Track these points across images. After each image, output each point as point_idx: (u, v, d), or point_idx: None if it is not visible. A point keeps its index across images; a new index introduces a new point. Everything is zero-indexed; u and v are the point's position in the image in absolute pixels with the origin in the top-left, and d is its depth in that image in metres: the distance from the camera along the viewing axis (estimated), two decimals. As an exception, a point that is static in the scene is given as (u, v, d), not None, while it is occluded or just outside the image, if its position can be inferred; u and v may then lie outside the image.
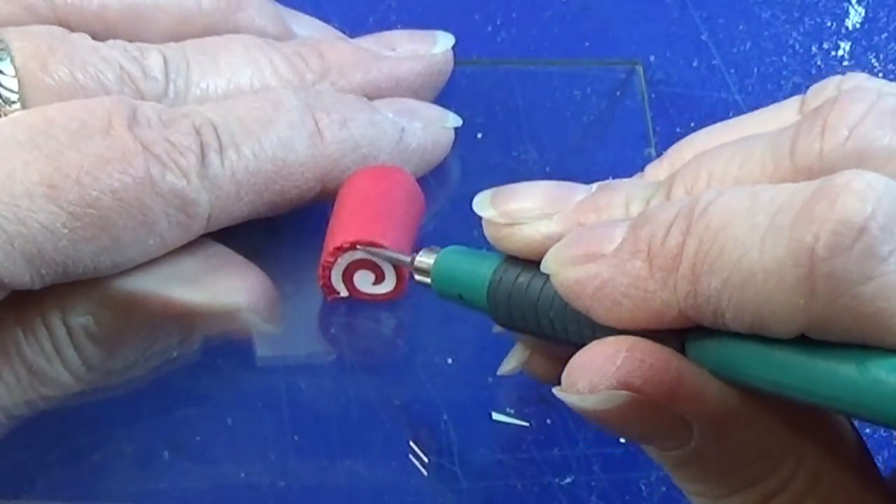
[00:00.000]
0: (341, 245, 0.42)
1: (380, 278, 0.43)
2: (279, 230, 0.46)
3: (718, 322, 0.31)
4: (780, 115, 0.38)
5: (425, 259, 0.41)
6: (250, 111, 0.43)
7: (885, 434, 0.47)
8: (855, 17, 0.57)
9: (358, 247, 0.42)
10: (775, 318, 0.29)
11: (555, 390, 0.34)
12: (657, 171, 0.40)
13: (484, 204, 0.38)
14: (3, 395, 0.41)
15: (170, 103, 0.44)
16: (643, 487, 0.45)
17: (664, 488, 0.45)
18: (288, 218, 0.45)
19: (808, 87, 0.38)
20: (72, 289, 0.41)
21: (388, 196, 0.44)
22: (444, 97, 0.50)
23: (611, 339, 0.33)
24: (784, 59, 0.56)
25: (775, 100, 0.39)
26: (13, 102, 0.42)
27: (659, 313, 0.32)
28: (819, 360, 0.29)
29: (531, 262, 0.37)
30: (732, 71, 0.55)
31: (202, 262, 0.43)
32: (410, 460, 0.44)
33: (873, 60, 0.56)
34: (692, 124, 0.53)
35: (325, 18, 0.52)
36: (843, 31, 0.56)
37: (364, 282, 0.43)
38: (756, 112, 0.39)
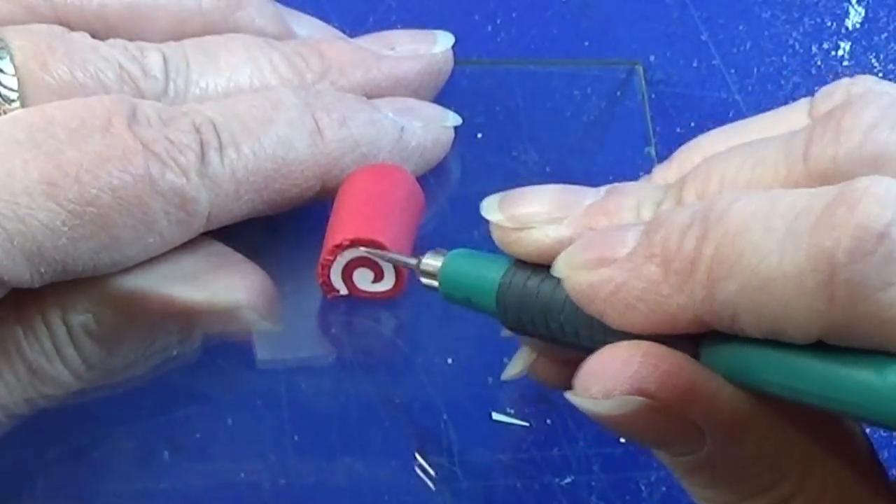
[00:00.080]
0: (341, 243, 0.42)
1: (379, 276, 0.43)
2: (279, 229, 0.46)
3: (735, 327, 0.30)
4: (790, 119, 0.38)
5: (432, 262, 0.40)
6: (250, 110, 0.43)
7: (885, 434, 0.47)
8: (855, 17, 0.57)
9: (364, 248, 0.42)
10: (793, 324, 0.29)
11: (567, 395, 0.34)
12: (665, 173, 0.40)
13: (492, 208, 0.38)
14: (2, 394, 0.41)
15: (169, 102, 0.44)
16: (643, 487, 0.45)
17: (664, 488, 0.45)
18: (288, 216, 0.45)
19: (808, 88, 0.39)
20: (72, 287, 0.41)
21: (387, 194, 0.44)
22: (444, 97, 0.50)
23: (625, 343, 0.33)
24: (784, 59, 0.56)
25: (775, 100, 0.39)
26: (13, 101, 0.41)
27: (674, 318, 0.32)
28: (837, 365, 0.29)
29: (540, 266, 0.37)
30: (732, 71, 0.55)
31: (202, 261, 0.43)
32: (407, 461, 0.44)
33: (873, 60, 0.56)
34: (692, 124, 0.53)
35: (324, 18, 0.52)
36: (843, 31, 0.56)
37: (363, 280, 0.43)
38: (765, 115, 0.39)
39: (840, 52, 0.56)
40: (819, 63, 0.56)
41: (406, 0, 0.55)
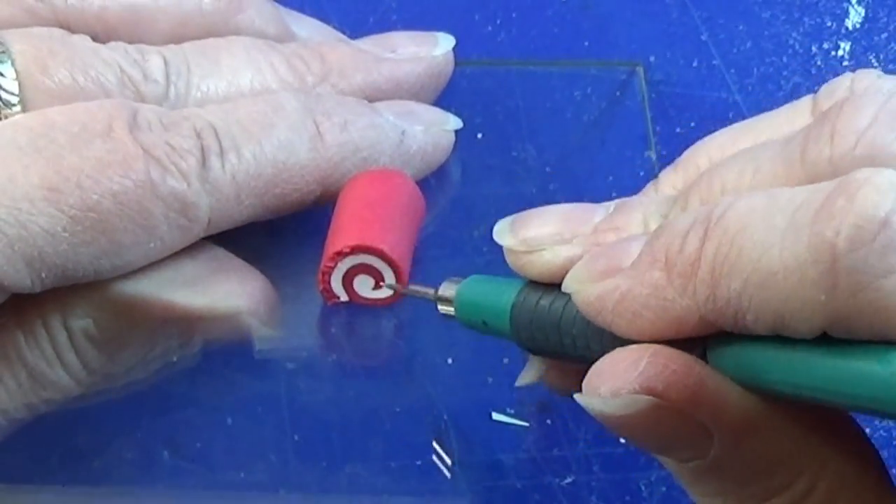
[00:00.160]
0: (341, 250, 0.42)
1: (379, 283, 0.43)
2: (279, 233, 0.46)
3: (739, 325, 0.30)
4: (793, 118, 0.38)
5: (448, 290, 0.41)
6: (251, 114, 0.43)
7: (885, 434, 0.47)
8: (855, 17, 0.57)
9: (387, 285, 0.43)
10: (797, 317, 0.29)
11: (576, 396, 0.34)
12: (672, 177, 0.40)
13: (503, 233, 0.38)
14: (3, 399, 0.41)
15: (170, 105, 0.44)
16: (643, 487, 0.45)
17: (664, 488, 0.45)
18: (288, 221, 0.45)
19: (808, 87, 0.39)
20: (72, 292, 0.41)
21: (388, 200, 0.44)
22: (444, 98, 0.50)
23: (634, 345, 0.33)
24: (784, 59, 0.56)
25: (775, 100, 0.40)
26: (13, 105, 0.41)
27: (680, 321, 0.32)
28: (842, 358, 0.29)
29: (552, 285, 0.37)
30: (732, 71, 0.55)
31: (202, 266, 0.43)
32: (407, 461, 0.44)
33: (873, 60, 0.56)
34: (692, 124, 0.53)
35: (325, 19, 0.52)
36: (843, 31, 0.56)
37: (364, 287, 0.43)
38: (769, 114, 0.39)
39: (840, 52, 0.56)
40: (819, 63, 0.56)
41: (406, 0, 0.55)
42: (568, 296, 0.35)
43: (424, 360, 0.46)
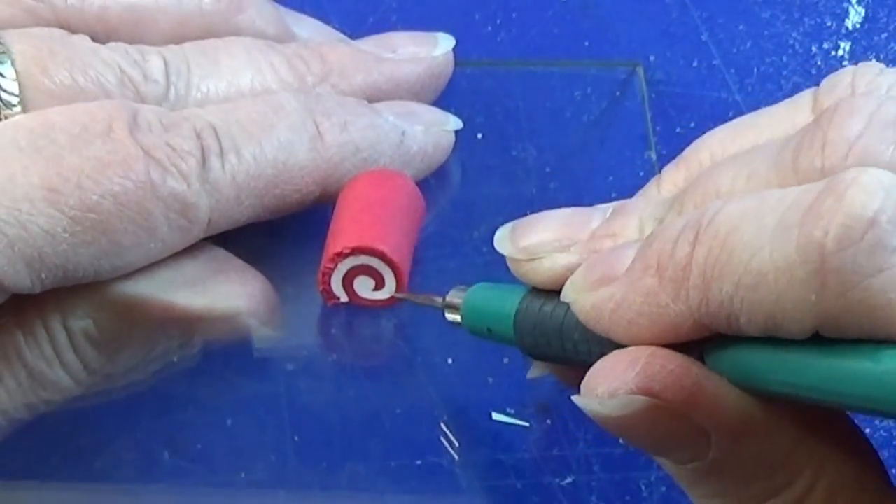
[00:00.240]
0: (341, 251, 0.42)
1: (379, 284, 0.43)
2: (279, 234, 0.46)
3: (733, 327, 0.30)
4: (794, 113, 0.38)
5: (455, 298, 0.41)
6: (251, 115, 0.43)
7: (885, 434, 0.47)
8: (855, 17, 0.57)
9: (397, 294, 0.43)
10: (788, 317, 0.29)
11: (574, 398, 0.34)
12: (674, 175, 0.40)
13: (503, 241, 0.39)
14: (3, 399, 0.41)
15: (170, 106, 0.44)
16: (643, 487, 0.45)
17: (664, 488, 0.45)
18: (288, 222, 0.45)
19: (808, 88, 0.38)
20: (72, 293, 0.41)
21: (388, 201, 0.44)
22: (444, 98, 0.50)
23: (632, 347, 0.33)
24: (784, 59, 0.56)
25: (775, 100, 0.39)
26: (13, 105, 0.41)
27: (675, 326, 0.32)
28: (833, 357, 0.29)
29: (554, 292, 0.37)
30: (732, 71, 0.55)
31: (202, 267, 0.43)
32: (407, 461, 0.44)
33: (873, 60, 0.55)
34: (692, 124, 0.53)
35: (325, 19, 0.52)
36: (843, 31, 0.56)
37: (364, 287, 0.43)
38: (770, 109, 0.39)
39: (840, 52, 0.56)
40: (819, 63, 0.56)
41: (406, 0, 0.55)
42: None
43: (424, 360, 0.46)
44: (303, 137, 0.44)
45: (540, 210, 0.41)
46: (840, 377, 0.29)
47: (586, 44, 0.55)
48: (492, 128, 0.52)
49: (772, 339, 0.30)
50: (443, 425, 0.45)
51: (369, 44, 0.49)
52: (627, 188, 0.43)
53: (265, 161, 0.43)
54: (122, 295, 0.42)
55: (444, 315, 0.42)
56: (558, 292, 0.36)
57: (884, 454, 0.44)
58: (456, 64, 0.50)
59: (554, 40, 0.55)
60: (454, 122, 0.49)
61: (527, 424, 0.46)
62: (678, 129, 0.53)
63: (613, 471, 0.45)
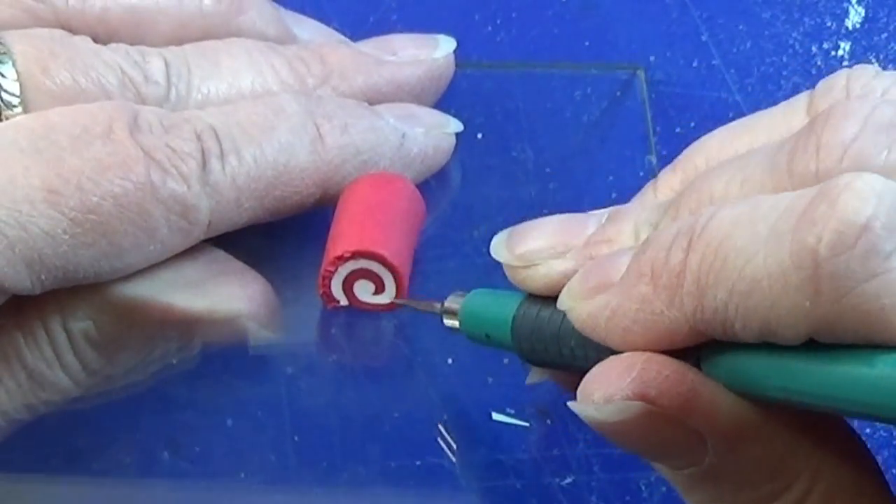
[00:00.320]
0: (341, 255, 0.42)
1: (380, 288, 0.43)
2: (280, 236, 0.46)
3: (728, 334, 0.30)
4: (790, 116, 0.38)
5: (453, 304, 0.41)
6: (251, 116, 0.43)
7: (885, 434, 0.47)
8: (855, 17, 0.57)
9: (396, 300, 0.43)
10: (783, 323, 0.29)
11: (570, 403, 0.34)
12: (670, 178, 0.40)
13: (500, 248, 0.39)
14: (3, 400, 0.41)
15: (171, 107, 0.44)
16: (643, 487, 0.45)
17: (664, 488, 0.45)
18: (288, 224, 0.45)
19: (808, 88, 0.38)
20: (72, 294, 0.41)
21: (388, 205, 0.44)
22: (444, 99, 0.50)
23: (628, 353, 0.33)
24: (784, 59, 0.56)
25: (775, 100, 0.39)
26: (14, 106, 0.42)
27: (670, 333, 0.32)
28: (828, 363, 0.29)
29: (551, 298, 0.37)
30: (732, 71, 0.55)
31: (202, 269, 0.43)
32: (407, 461, 0.45)
33: (873, 60, 0.56)
34: (692, 124, 0.53)
35: (325, 19, 0.52)
36: (843, 31, 0.56)
37: (364, 291, 0.44)
38: (766, 112, 0.39)
39: (840, 52, 0.56)
40: (819, 63, 0.56)
41: (406, 1, 0.55)
42: None
43: (424, 360, 0.46)
44: (303, 140, 0.44)
45: (540, 211, 0.41)
46: (835, 382, 0.29)
47: (586, 44, 0.55)
48: (492, 129, 0.52)
49: (767, 345, 0.30)
50: (441, 427, 0.45)
51: (370, 46, 0.49)
52: (627, 189, 0.43)
53: (265, 163, 0.43)
54: (121, 296, 0.42)
55: (442, 321, 0.42)
56: (555, 298, 0.36)
57: (883, 454, 0.44)
58: (456, 66, 0.50)
59: (554, 41, 0.55)
60: (454, 125, 0.49)
61: (527, 425, 0.46)
62: (678, 130, 0.53)
63: (613, 471, 0.45)
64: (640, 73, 0.54)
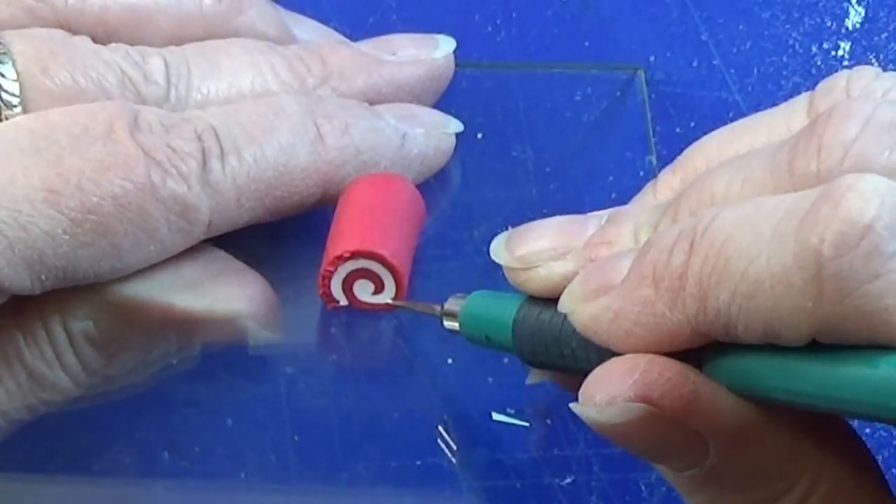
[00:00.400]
0: (341, 255, 0.42)
1: (379, 288, 0.43)
2: (279, 236, 0.46)
3: (731, 335, 0.30)
4: (790, 117, 0.38)
5: (453, 306, 0.41)
6: (252, 117, 0.43)
7: (885, 434, 0.47)
8: (855, 17, 0.57)
9: (393, 300, 0.43)
10: (786, 324, 0.29)
11: (572, 405, 0.34)
12: (670, 179, 0.40)
13: (499, 251, 0.39)
14: (3, 400, 0.41)
15: (171, 108, 0.44)
16: (643, 487, 0.45)
17: (664, 488, 0.45)
18: (288, 224, 0.45)
19: (808, 88, 0.38)
20: (72, 294, 0.41)
21: (388, 205, 0.44)
22: (444, 99, 0.50)
23: (630, 355, 0.33)
24: (784, 59, 0.55)
25: (775, 100, 0.39)
26: (14, 106, 0.42)
27: (672, 335, 0.32)
28: (832, 363, 0.29)
29: (551, 300, 0.37)
30: (732, 71, 0.55)
31: (202, 269, 0.43)
32: (407, 461, 0.45)
33: (873, 60, 0.56)
34: (692, 124, 0.53)
35: (325, 19, 0.52)
36: (843, 31, 0.56)
37: (364, 291, 0.44)
38: (766, 113, 0.39)
39: (840, 52, 0.56)
40: (819, 63, 0.56)
41: (406, 1, 0.55)
42: None
43: (425, 360, 0.46)
44: (304, 140, 0.44)
45: (540, 211, 0.41)
46: (838, 383, 0.29)
47: (586, 44, 0.55)
48: (492, 129, 0.52)
49: (769, 347, 0.30)
50: (440, 428, 0.45)
51: (369, 46, 0.49)
52: (627, 189, 0.43)
53: (266, 163, 0.43)
54: (121, 296, 0.42)
55: (441, 323, 0.42)
56: (556, 300, 0.36)
57: (883, 454, 0.44)
58: (456, 65, 0.50)
59: (554, 40, 0.55)
60: (455, 126, 0.49)
61: (527, 424, 0.46)
62: (678, 129, 0.53)
63: (613, 471, 0.45)
64: (640, 74, 0.54)
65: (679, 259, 0.31)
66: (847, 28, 0.56)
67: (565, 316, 0.36)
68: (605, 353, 0.34)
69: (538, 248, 0.38)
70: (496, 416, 0.46)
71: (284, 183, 0.43)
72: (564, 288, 0.36)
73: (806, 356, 0.29)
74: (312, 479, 0.44)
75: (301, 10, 0.52)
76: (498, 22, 0.56)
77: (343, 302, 0.44)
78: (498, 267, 0.39)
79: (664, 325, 0.32)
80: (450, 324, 0.42)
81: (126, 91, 0.43)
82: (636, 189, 0.42)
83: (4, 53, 0.42)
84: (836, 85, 0.37)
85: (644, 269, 0.32)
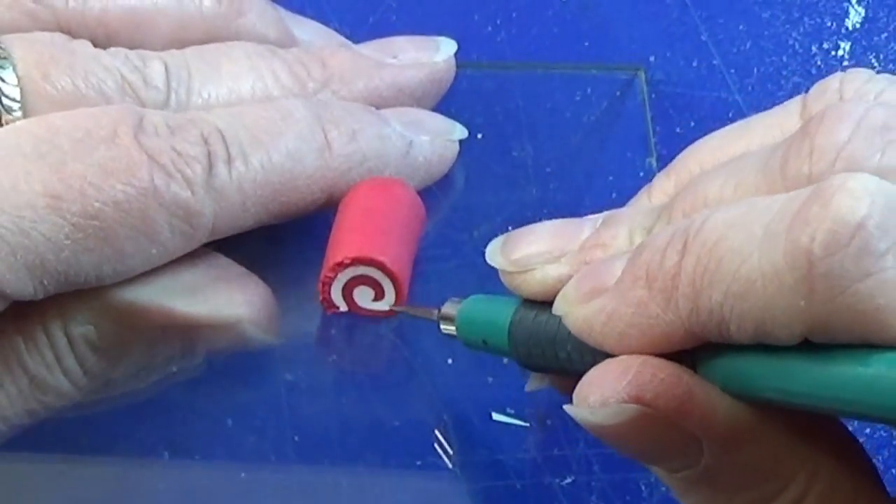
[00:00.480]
0: (342, 261, 0.42)
1: (379, 295, 0.43)
2: (280, 241, 0.46)
3: (724, 335, 0.31)
4: (784, 120, 0.38)
5: (450, 310, 0.41)
6: (259, 120, 0.43)
7: (885, 434, 0.47)
8: (855, 17, 0.57)
9: (393, 306, 0.44)
10: (778, 324, 0.29)
11: (566, 407, 0.34)
12: (665, 183, 0.40)
13: (495, 254, 0.39)
14: (4, 404, 0.41)
15: (172, 112, 0.44)
16: (643, 487, 0.45)
17: (664, 488, 0.45)
18: (289, 229, 0.45)
19: (808, 88, 0.38)
20: (73, 298, 0.41)
21: (389, 211, 0.44)
22: (444, 100, 0.50)
23: (623, 356, 0.33)
24: (784, 59, 0.55)
25: (775, 100, 0.39)
26: (14, 111, 0.41)
27: (666, 336, 0.32)
28: (824, 363, 0.29)
29: (546, 302, 0.37)
30: (732, 71, 0.55)
31: (203, 274, 0.43)
32: (407, 461, 0.45)
33: (873, 60, 0.56)
34: (692, 124, 0.53)
35: (325, 19, 0.52)
36: (843, 31, 0.56)
37: (364, 298, 0.44)
38: (760, 116, 0.39)
39: (840, 52, 0.56)
40: (819, 63, 0.56)
41: (406, 1, 0.55)
42: None
43: (424, 360, 0.46)
44: (311, 146, 0.43)
45: (540, 211, 0.42)
46: (830, 382, 0.29)
47: (586, 44, 0.55)
48: (492, 129, 0.52)
49: (762, 347, 0.30)
50: (437, 433, 0.45)
51: (370, 49, 0.49)
52: (627, 189, 0.43)
53: (272, 169, 0.43)
54: (122, 301, 0.42)
55: (438, 327, 0.42)
56: (551, 303, 0.36)
57: (882, 454, 0.44)
58: (456, 66, 0.50)
59: (554, 40, 0.55)
60: (459, 132, 0.49)
61: (527, 424, 0.46)
62: (678, 129, 0.53)
63: (613, 471, 0.45)
64: (641, 74, 0.54)
65: (672, 260, 0.31)
66: (847, 28, 0.56)
67: (560, 319, 0.36)
68: (599, 355, 0.34)
69: (533, 252, 0.38)
70: (496, 417, 0.46)
71: (290, 189, 0.43)
72: (558, 291, 0.36)
73: (798, 356, 0.30)
74: (312, 480, 0.44)
75: (301, 10, 0.52)
76: (498, 22, 0.56)
77: (343, 308, 0.44)
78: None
79: (658, 326, 0.32)
80: (446, 328, 0.42)
81: (126, 96, 0.43)
82: (636, 189, 0.42)
83: (5, 58, 0.42)
84: (829, 87, 0.37)
85: (637, 270, 0.32)
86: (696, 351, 0.32)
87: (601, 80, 0.53)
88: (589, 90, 0.53)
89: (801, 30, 0.56)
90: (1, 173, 0.38)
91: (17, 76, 0.42)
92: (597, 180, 0.51)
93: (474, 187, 0.50)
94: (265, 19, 0.48)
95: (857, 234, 0.27)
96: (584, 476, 0.45)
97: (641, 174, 0.51)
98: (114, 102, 0.43)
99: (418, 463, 0.45)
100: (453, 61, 0.49)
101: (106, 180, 0.39)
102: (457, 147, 0.48)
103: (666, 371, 0.32)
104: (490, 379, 0.46)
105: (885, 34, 0.56)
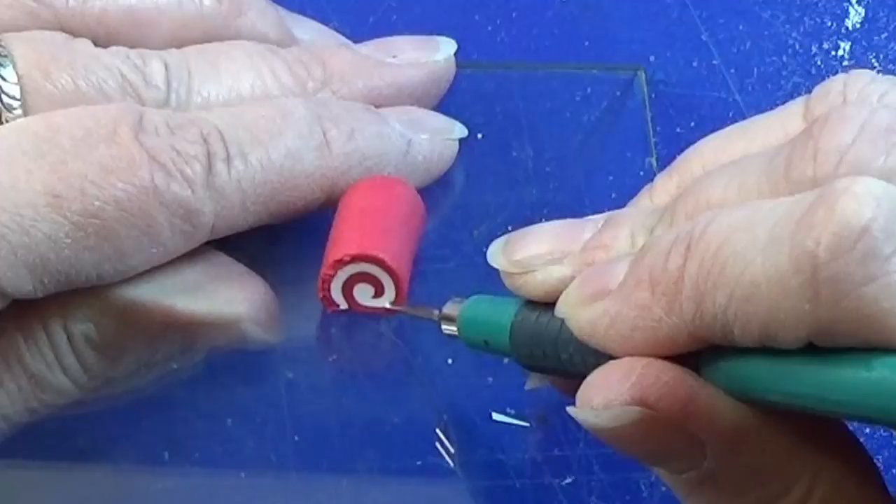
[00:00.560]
0: (341, 259, 0.42)
1: (379, 292, 0.43)
2: (280, 239, 0.46)
3: (728, 339, 0.31)
4: (787, 121, 0.38)
5: (451, 311, 0.41)
6: (258, 120, 0.43)
7: (885, 434, 0.47)
8: (855, 17, 0.57)
9: (392, 304, 0.43)
10: (782, 327, 0.29)
11: (569, 409, 0.34)
12: (666, 183, 0.40)
13: (496, 255, 0.39)
14: (4, 403, 0.41)
15: (171, 111, 0.44)
16: (643, 487, 0.45)
17: (664, 488, 0.45)
18: (289, 227, 0.45)
19: (808, 88, 0.38)
20: (73, 296, 0.41)
21: (388, 208, 0.44)
22: (444, 100, 0.50)
23: (627, 358, 0.33)
24: (784, 59, 0.55)
25: (775, 100, 0.39)
26: (14, 109, 0.41)
27: (670, 339, 0.32)
28: (828, 366, 0.29)
29: (549, 304, 0.37)
30: (732, 71, 0.55)
31: (203, 272, 0.43)
32: (407, 461, 0.45)
33: (873, 60, 0.56)
34: (692, 124, 0.53)
35: (325, 19, 0.52)
36: (843, 31, 0.56)
37: (364, 295, 0.43)
38: (762, 116, 0.39)
39: (840, 52, 0.56)
40: (819, 63, 0.56)
41: (406, 1, 0.55)
42: None
43: (424, 360, 0.46)
44: (310, 145, 0.43)
45: (541, 211, 0.41)
46: (834, 386, 0.29)
47: (586, 44, 0.55)
48: (492, 129, 0.52)
49: (766, 350, 0.30)
50: (438, 432, 0.45)
51: (370, 48, 0.49)
52: (628, 189, 0.43)
53: (272, 168, 0.43)
54: (122, 299, 0.42)
55: (439, 328, 0.42)
56: (553, 304, 0.36)
57: (883, 454, 0.44)
58: (457, 66, 0.50)
59: (554, 40, 0.55)
60: (459, 131, 0.48)
61: (527, 424, 0.46)
62: (678, 129, 0.53)
63: (613, 471, 0.45)
64: (641, 74, 0.54)
65: (675, 263, 0.31)
66: (847, 28, 0.56)
67: (563, 320, 0.36)
68: (602, 357, 0.34)
69: (535, 253, 0.38)
70: (496, 417, 0.46)
71: (289, 188, 0.43)
72: (561, 292, 0.36)
73: (802, 359, 0.30)
74: (312, 480, 0.44)
75: (301, 10, 0.52)
76: (498, 22, 0.56)
77: (343, 305, 0.44)
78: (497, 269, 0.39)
79: (661, 328, 0.32)
80: (448, 328, 0.42)
81: (126, 95, 0.43)
82: (636, 189, 0.42)
83: (5, 56, 0.42)
84: (833, 89, 0.37)
85: (641, 273, 0.32)
86: (699, 353, 0.32)
87: (601, 80, 0.53)
88: (589, 90, 0.53)
89: (801, 30, 0.56)
90: (1, 172, 0.38)
91: (18, 75, 0.42)
92: (597, 180, 0.51)
93: (474, 187, 0.50)
94: (265, 19, 0.48)
95: (862, 238, 0.27)
96: (584, 476, 0.45)
97: (641, 174, 0.51)
98: (114, 101, 0.43)
99: (418, 463, 0.45)
100: (453, 61, 0.49)
101: (106, 179, 0.39)
102: (456, 146, 0.48)
103: (669, 373, 0.32)
104: (490, 379, 0.46)
105: (885, 34, 0.56)
